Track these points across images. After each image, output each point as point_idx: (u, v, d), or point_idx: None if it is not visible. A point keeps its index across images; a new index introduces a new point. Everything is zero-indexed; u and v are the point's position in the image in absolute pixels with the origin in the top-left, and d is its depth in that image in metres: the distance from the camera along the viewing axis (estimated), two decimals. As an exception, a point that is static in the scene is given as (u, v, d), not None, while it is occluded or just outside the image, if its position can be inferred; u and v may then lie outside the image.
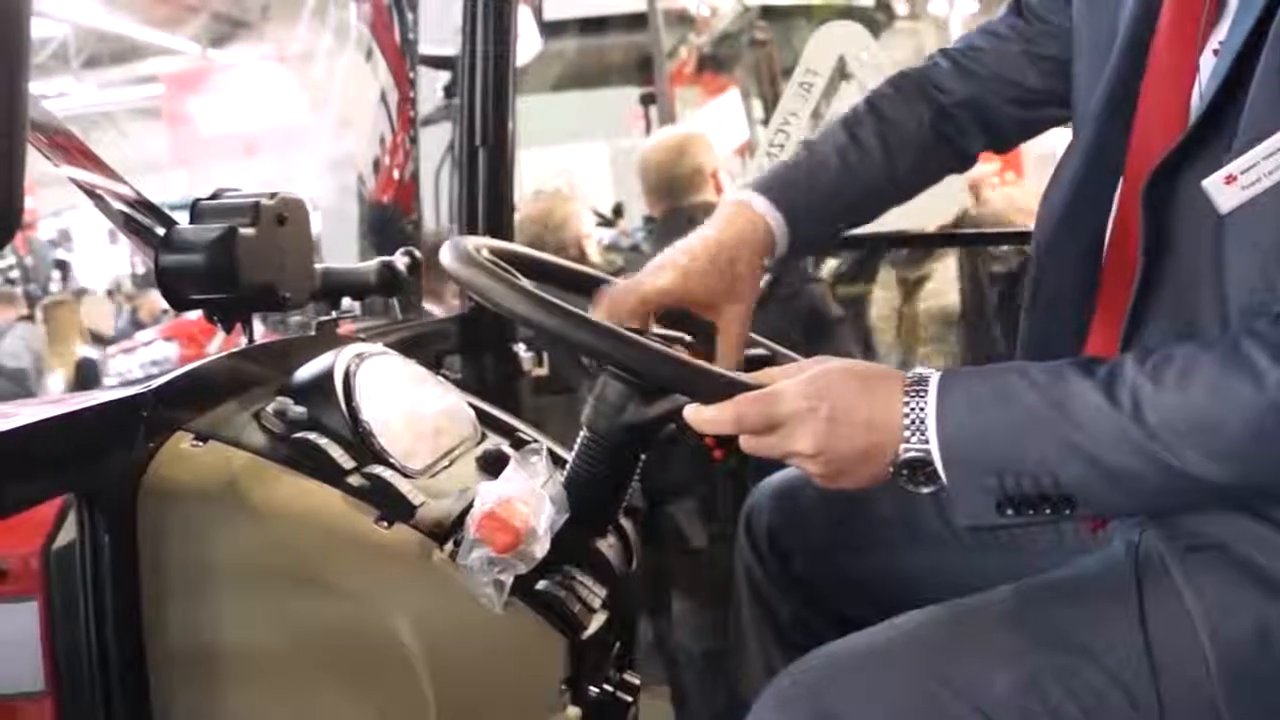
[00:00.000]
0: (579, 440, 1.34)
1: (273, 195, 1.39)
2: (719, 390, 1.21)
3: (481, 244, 1.34)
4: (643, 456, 1.37)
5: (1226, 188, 1.16)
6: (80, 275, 13.86)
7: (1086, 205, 1.33)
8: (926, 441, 1.14)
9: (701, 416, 1.18)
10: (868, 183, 1.56)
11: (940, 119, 1.58)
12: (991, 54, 1.58)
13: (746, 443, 1.18)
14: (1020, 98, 1.55)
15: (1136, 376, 1.09)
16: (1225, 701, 1.11)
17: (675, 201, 3.35)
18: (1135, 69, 1.29)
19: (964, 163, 1.64)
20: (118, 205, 1.35)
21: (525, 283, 1.26)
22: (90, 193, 1.33)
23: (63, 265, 13.44)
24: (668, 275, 1.41)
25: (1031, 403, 1.12)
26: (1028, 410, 1.12)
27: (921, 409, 1.14)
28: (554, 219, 3.68)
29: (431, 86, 2.64)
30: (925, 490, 1.16)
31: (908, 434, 1.14)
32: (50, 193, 12.81)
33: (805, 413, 1.15)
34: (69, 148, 1.30)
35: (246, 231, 1.33)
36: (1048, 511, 1.12)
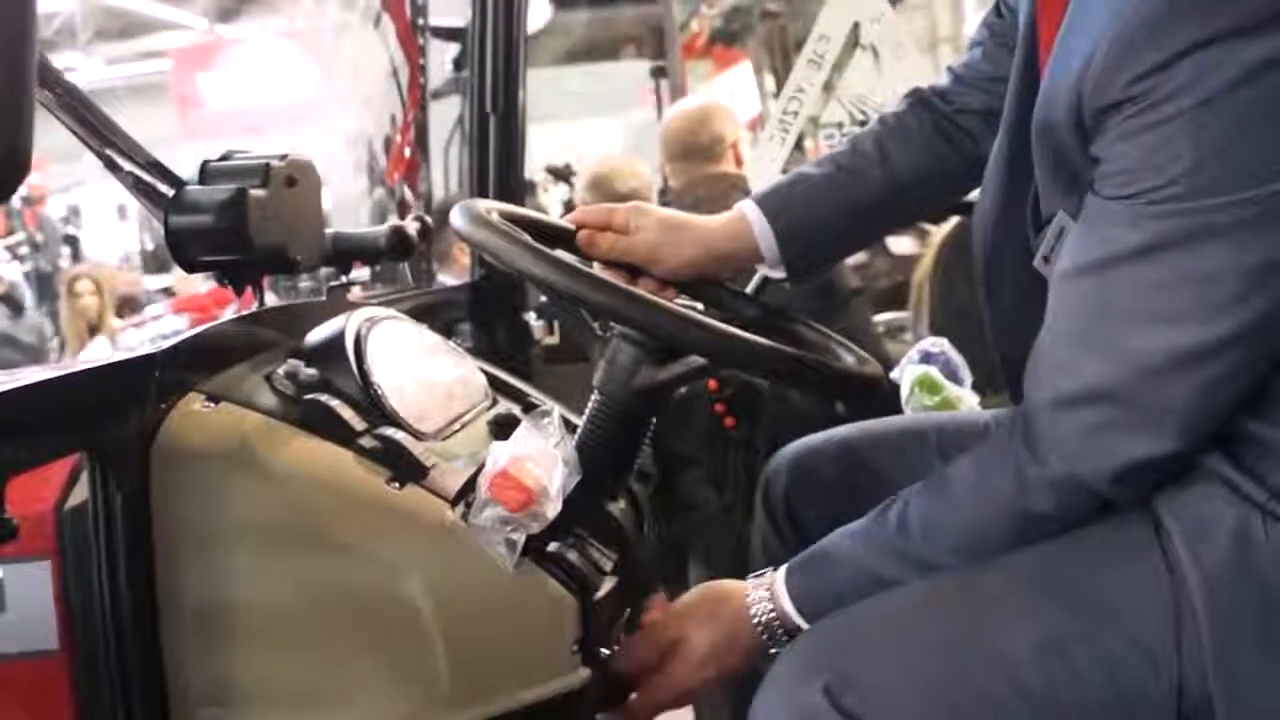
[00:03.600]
0: (590, 404, 1.34)
1: (282, 157, 1.39)
2: (737, 352, 1.21)
3: (493, 207, 1.35)
4: (654, 420, 1.37)
5: (1046, 266, 1.23)
6: (89, 251, 13.86)
7: (1015, 195, 1.31)
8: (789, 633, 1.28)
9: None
10: (864, 189, 1.58)
11: (946, 123, 1.59)
12: (985, 59, 1.58)
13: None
14: None
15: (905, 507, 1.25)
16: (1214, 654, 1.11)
17: (694, 171, 3.34)
18: (1032, 51, 1.29)
19: (981, 165, 1.62)
20: (127, 166, 1.35)
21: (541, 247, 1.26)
22: (100, 153, 1.33)
23: (72, 241, 13.42)
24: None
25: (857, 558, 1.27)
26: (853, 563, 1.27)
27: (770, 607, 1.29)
28: (620, 180, 3.64)
29: (440, 60, 2.64)
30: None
31: (766, 638, 1.29)
32: (60, 169, 12.82)
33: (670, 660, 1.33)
34: (78, 107, 1.29)
35: (257, 193, 1.33)
36: None
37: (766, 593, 1.30)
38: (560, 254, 1.29)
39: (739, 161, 3.38)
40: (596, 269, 1.50)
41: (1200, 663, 1.10)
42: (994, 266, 1.35)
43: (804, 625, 1.26)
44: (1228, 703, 1.08)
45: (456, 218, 1.30)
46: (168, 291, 10.38)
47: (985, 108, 1.55)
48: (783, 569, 1.31)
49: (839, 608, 1.23)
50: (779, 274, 1.60)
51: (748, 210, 1.57)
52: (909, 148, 1.58)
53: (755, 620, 1.29)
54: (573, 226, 1.53)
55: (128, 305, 9.17)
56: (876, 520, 1.27)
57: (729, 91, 6.73)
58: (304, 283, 1.69)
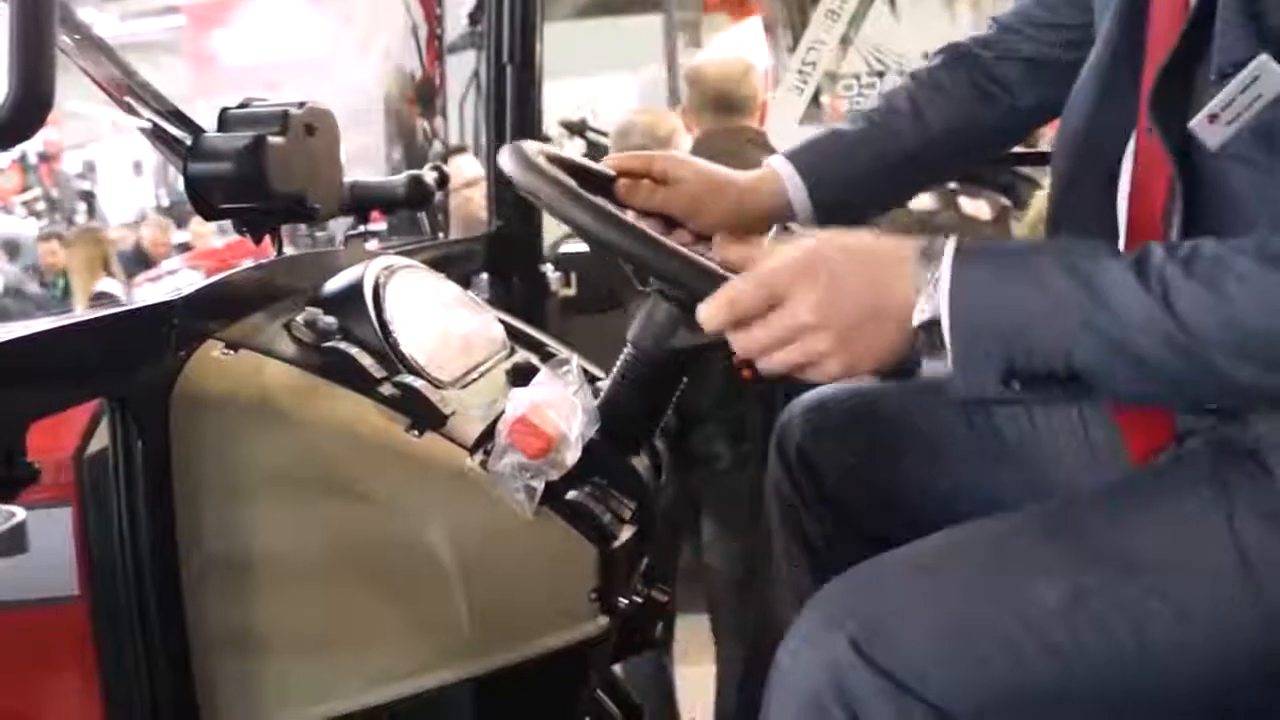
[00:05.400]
0: (622, 357, 1.33)
1: (301, 104, 1.39)
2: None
3: (541, 149, 1.32)
4: (684, 380, 1.36)
5: (1211, 126, 1.15)
6: (105, 207, 13.88)
7: (1104, 128, 1.30)
8: (937, 306, 1.08)
9: (702, 314, 1.13)
10: (896, 143, 1.57)
11: (982, 76, 1.57)
12: (1039, 4, 1.56)
13: (747, 339, 1.12)
14: (1065, 39, 1.50)
15: (1166, 265, 1.04)
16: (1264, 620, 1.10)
17: (721, 122, 3.29)
18: None
19: (1016, 118, 1.59)
20: (146, 113, 1.35)
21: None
22: (119, 100, 1.32)
23: (88, 197, 13.46)
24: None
25: (1054, 278, 1.06)
26: (1049, 286, 1.06)
27: (935, 273, 1.08)
28: (661, 130, 3.61)
29: (454, 16, 2.63)
30: (937, 363, 1.10)
31: (919, 296, 1.09)
32: (75, 125, 12.81)
33: (802, 277, 1.09)
34: (95, 52, 1.29)
35: (275, 140, 1.33)
36: (1055, 390, 1.07)
37: (936, 265, 1.10)
38: (610, 207, 1.25)
39: (762, 118, 3.35)
40: (630, 216, 1.49)
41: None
42: (1069, 187, 1.35)
43: (947, 326, 1.08)
44: None
45: (505, 160, 1.27)
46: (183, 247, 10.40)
47: (1033, 55, 1.53)
48: (952, 256, 1.09)
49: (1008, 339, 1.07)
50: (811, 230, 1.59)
51: (779, 166, 1.56)
52: (942, 102, 1.57)
53: (915, 273, 1.10)
54: (613, 172, 1.52)
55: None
56: (1129, 270, 1.06)
57: (736, 45, 6.65)
58: (321, 233, 1.69)
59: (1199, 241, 1.07)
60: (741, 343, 1.13)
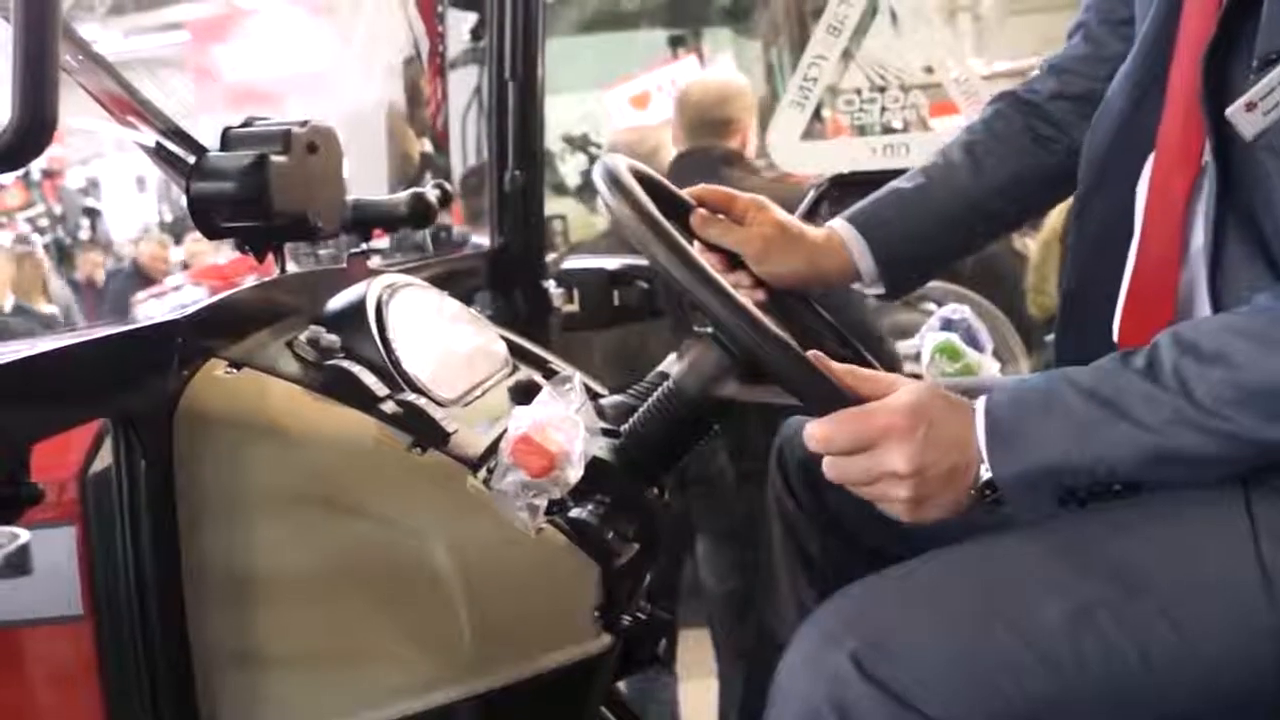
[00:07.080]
0: (660, 391, 1.32)
1: (303, 123, 1.39)
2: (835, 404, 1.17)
3: (634, 168, 1.31)
4: (715, 427, 1.36)
5: (1248, 115, 1.16)
6: (109, 223, 13.88)
7: (1133, 130, 1.31)
8: (986, 467, 1.14)
9: (807, 437, 1.17)
10: (953, 195, 1.57)
11: (1036, 119, 1.58)
12: (1085, 41, 1.57)
13: (833, 466, 1.17)
14: (1115, 70, 1.47)
15: (1178, 358, 1.10)
16: None
17: (696, 142, 3.31)
18: None
19: (1074, 159, 1.52)
20: (149, 132, 1.35)
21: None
22: (122, 120, 1.33)
23: (92, 213, 13.45)
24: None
25: (1075, 405, 1.12)
26: (1073, 412, 1.12)
27: (978, 434, 1.15)
28: (646, 146, 3.62)
29: (455, 31, 2.63)
30: (1003, 510, 1.16)
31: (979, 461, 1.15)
32: (79, 141, 12.81)
33: (903, 431, 1.13)
34: (100, 72, 1.29)
35: (278, 159, 1.33)
36: (1114, 498, 1.13)
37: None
38: (681, 238, 1.21)
39: (744, 143, 3.36)
40: (696, 246, 1.48)
41: None
42: (1094, 191, 1.35)
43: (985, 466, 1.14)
44: None
45: (600, 176, 1.25)
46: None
47: (1083, 93, 1.53)
48: (983, 409, 1.16)
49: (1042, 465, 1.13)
50: (876, 290, 1.59)
51: (840, 227, 1.57)
52: (1000, 149, 1.58)
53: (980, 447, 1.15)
54: (692, 201, 1.52)
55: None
56: (1143, 378, 1.12)
57: (671, 80, 6.75)
58: (323, 251, 1.69)
59: (1200, 322, 1.14)
60: (829, 467, 1.18)
